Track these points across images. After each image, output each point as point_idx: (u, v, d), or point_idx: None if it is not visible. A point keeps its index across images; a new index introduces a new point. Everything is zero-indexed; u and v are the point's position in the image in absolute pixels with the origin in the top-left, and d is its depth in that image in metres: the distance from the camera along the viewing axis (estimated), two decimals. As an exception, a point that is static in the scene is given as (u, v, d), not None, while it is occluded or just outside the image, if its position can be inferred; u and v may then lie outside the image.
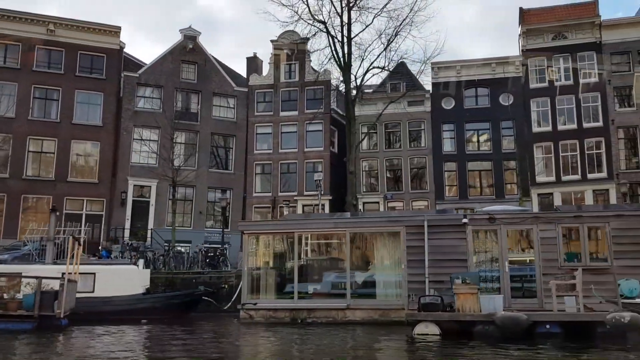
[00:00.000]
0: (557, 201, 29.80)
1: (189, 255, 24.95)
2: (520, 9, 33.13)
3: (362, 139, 26.96)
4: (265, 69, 35.84)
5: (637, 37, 30.35)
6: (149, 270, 19.37)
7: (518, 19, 32.60)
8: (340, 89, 30.01)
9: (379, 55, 26.00)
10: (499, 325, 10.97)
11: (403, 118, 32.88)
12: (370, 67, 26.52)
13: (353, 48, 25.70)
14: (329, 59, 26.59)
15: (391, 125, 33.27)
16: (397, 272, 14.70)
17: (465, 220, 14.27)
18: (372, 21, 25.95)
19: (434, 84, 32.97)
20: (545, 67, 31.44)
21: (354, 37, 25.84)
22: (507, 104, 31.87)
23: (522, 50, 31.88)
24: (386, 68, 26.22)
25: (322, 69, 31.20)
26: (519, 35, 31.97)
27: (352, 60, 26.05)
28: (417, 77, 26.66)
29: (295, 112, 33.57)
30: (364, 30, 26.19)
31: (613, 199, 29.27)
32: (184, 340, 12.54)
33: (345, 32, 25.39)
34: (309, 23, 25.35)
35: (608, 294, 13.23)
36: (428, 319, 11.52)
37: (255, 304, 15.09)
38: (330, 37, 25.66)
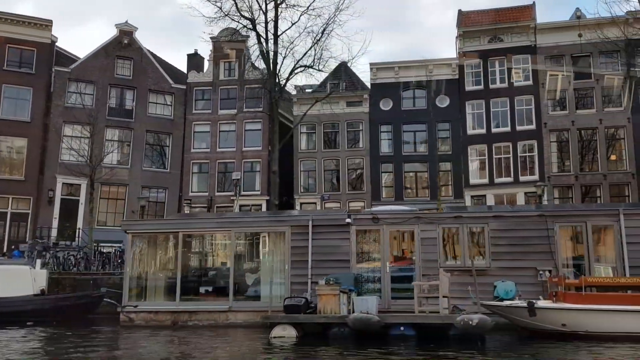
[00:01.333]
0: (490, 203, 29.96)
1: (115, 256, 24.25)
2: (459, 11, 33.31)
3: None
4: (207, 66, 35.27)
5: (571, 41, 30.68)
6: (45, 271, 18.66)
7: (456, 20, 32.74)
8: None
9: (305, 54, 25.67)
10: (351, 327, 10.72)
11: (341, 118, 32.72)
12: (297, 66, 26.17)
13: (282, 47, 25.30)
14: (258, 57, 26.22)
15: (330, 126, 33.03)
16: (282, 273, 14.38)
17: (348, 220, 14.03)
18: (299, 18, 25.49)
19: (372, 85, 32.89)
20: (481, 70, 31.63)
21: (281, 34, 25.55)
22: (443, 105, 31.95)
23: (459, 52, 32.01)
24: (314, 67, 25.93)
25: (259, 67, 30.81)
26: (456, 37, 32.08)
27: (282, 59, 25.69)
28: (336, 77, 26.28)
29: (234, 111, 33.05)
30: (290, 28, 25.54)
31: (545, 202, 29.55)
32: (40, 344, 11.98)
33: (271, 29, 25.02)
34: (234, 19, 24.90)
35: (487, 295, 13.13)
36: (284, 321, 11.21)
37: (136, 306, 14.60)
38: (257, 35, 25.28)
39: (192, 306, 14.36)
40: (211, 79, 33.79)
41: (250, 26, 25.20)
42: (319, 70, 26.22)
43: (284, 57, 25.05)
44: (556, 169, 30.35)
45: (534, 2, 32.69)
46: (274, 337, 11.18)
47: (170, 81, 33.71)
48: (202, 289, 14.79)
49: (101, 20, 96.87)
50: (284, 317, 11.28)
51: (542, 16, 73.06)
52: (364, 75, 34.67)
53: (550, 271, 13.12)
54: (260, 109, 32.56)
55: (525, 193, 30.15)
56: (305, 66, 25.72)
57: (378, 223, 14.03)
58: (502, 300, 12.76)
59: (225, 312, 14.25)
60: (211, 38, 33.99)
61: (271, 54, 24.90)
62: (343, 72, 35.35)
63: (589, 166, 30.07)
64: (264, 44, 25.23)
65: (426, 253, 13.75)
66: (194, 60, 36.50)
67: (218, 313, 14.26)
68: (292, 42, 24.76)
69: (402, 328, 10.97)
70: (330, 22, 25.01)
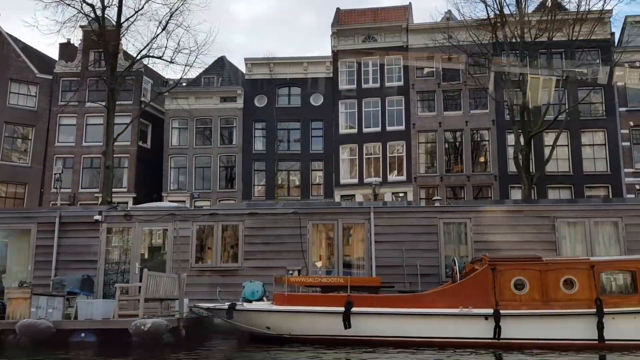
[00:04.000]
0: (358, 203, 29.83)
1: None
2: (337, 9, 33.10)
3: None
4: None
5: (440, 42, 30.87)
6: None
7: (333, 18, 32.48)
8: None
9: (148, 44, 24.58)
10: (21, 334, 9.87)
11: (215, 114, 31.84)
12: (139, 57, 25.09)
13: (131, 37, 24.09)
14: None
15: (203, 121, 32.07)
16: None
17: (97, 217, 13.17)
18: (143, 6, 24.39)
19: (247, 81, 32.20)
20: (355, 69, 31.50)
21: (125, 21, 24.36)
22: (317, 104, 31.63)
23: (333, 51, 31.75)
24: (163, 58, 24.89)
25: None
26: (331, 35, 31.80)
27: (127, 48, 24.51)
28: (184, 74, 25.41)
29: (103, 103, 31.51)
30: (134, 15, 24.31)
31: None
32: None
33: (105, 14, 23.72)
34: (74, 7, 23.45)
35: (237, 297, 12.58)
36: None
37: None
38: (99, 23, 23.97)
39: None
40: (80, 70, 32.14)
41: (93, 14, 23.88)
42: (172, 62, 25.16)
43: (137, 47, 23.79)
44: (423, 170, 30.56)
45: (410, 3, 32.96)
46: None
47: (35, 70, 31.86)
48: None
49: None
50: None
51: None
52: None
53: (299, 271, 12.72)
54: (131, 102, 31.32)
55: (393, 193, 30.24)
56: (149, 56, 24.68)
57: (131, 220, 13.24)
58: (249, 301, 12.22)
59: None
60: (81, 26, 32.37)
61: (109, 42, 23.70)
62: (227, 66, 34.59)
63: (454, 167, 30.46)
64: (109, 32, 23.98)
65: (179, 252, 13.08)
66: (67, 49, 34.68)
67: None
68: (139, 32, 23.43)
69: (83, 334, 10.19)
70: (176, 13, 24.03)
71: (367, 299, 10.16)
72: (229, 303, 10.62)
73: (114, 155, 31.76)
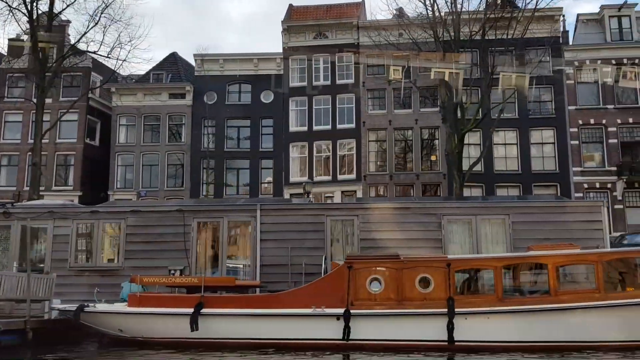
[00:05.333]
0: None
1: None
2: (290, 5, 32.70)
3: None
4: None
5: (391, 40, 30.54)
6: None
7: (285, 14, 32.07)
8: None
9: (80, 39, 24.10)
10: None
11: (163, 111, 31.35)
12: (70, 52, 24.57)
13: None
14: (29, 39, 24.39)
15: (151, 118, 31.56)
16: None
17: (-22, 215, 12.71)
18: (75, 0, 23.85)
19: (197, 77, 31.71)
20: (306, 66, 31.10)
21: (57, 15, 23.80)
22: (268, 101, 31.21)
23: (284, 47, 31.34)
24: (98, 53, 24.36)
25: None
26: (281, 32, 31.38)
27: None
28: (116, 69, 24.82)
29: (50, 100, 30.91)
30: (65, 9, 23.80)
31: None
32: None
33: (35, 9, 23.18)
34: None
35: (117, 297, 12.15)
36: None
37: None
38: (30, 16, 23.41)
39: None
40: (26, 65, 31.49)
41: (23, 7, 23.33)
42: (108, 57, 24.64)
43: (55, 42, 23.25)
44: (373, 168, 30.23)
45: (363, 0, 32.60)
46: None
47: (-22, 66, 31.26)
48: None
49: None
50: None
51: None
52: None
53: (181, 270, 12.32)
54: (77, 98, 30.73)
55: (343, 192, 29.90)
56: (84, 51, 24.16)
57: (9, 218, 12.78)
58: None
59: None
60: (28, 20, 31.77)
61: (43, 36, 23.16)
62: (179, 62, 34.09)
63: (404, 166, 30.15)
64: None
65: (58, 251, 12.64)
66: (17, 44, 33.99)
67: None
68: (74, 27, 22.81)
69: None
70: (109, 6, 23.51)
71: (219, 299, 9.76)
72: (79, 304, 10.18)
73: (60, 153, 31.63)
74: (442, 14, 23.62)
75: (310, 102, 30.85)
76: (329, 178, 30.21)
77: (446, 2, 23.09)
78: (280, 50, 31.45)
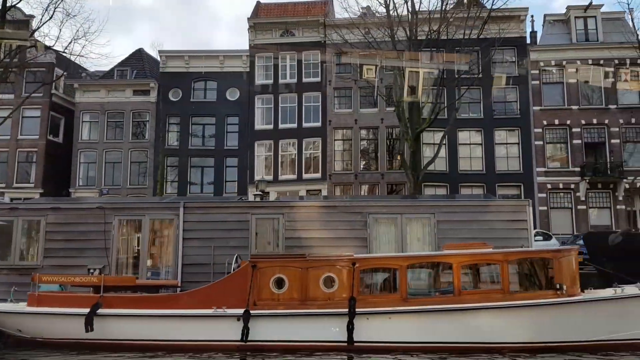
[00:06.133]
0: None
1: None
2: (258, 2, 32.41)
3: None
4: None
5: (357, 39, 30.31)
6: None
7: (252, 12, 31.77)
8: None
9: (32, 33, 23.63)
10: None
11: (127, 108, 30.91)
12: (20, 48, 24.12)
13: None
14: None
15: (115, 115, 31.10)
16: None
17: None
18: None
19: (162, 74, 31.28)
20: (272, 64, 30.82)
21: (10, 7, 23.35)
22: (233, 99, 30.89)
23: (250, 45, 31.02)
24: (54, 48, 23.91)
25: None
26: (248, 29, 31.07)
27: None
28: (74, 59, 24.45)
29: (12, 96, 30.44)
30: (18, 2, 23.35)
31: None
32: None
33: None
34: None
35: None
36: None
37: None
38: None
39: None
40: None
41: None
42: (64, 52, 24.22)
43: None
44: (339, 167, 30.00)
45: (331, -2, 32.40)
46: None
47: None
48: None
49: None
50: None
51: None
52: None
53: (101, 270, 11.99)
54: (41, 95, 30.28)
55: (308, 191, 29.64)
56: (32, 46, 23.70)
57: None
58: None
59: None
60: None
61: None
62: (145, 59, 33.67)
63: (369, 165, 29.97)
64: None
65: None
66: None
67: None
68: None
69: None
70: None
71: (119, 299, 9.46)
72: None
73: (22, 149, 31.09)
74: (399, 13, 23.37)
75: (276, 100, 30.57)
76: (294, 177, 29.96)
77: (405, 2, 22.79)
78: (247, 48, 31.19)
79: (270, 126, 30.43)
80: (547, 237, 21.44)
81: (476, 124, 28.91)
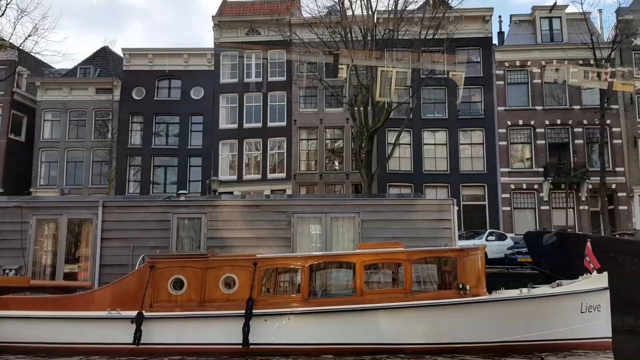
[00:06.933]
0: (234, 200, 28.81)
1: None
2: (223, 0, 32.07)
3: None
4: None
5: (321, 38, 30.04)
6: None
7: (217, 9, 31.43)
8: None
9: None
10: None
11: (89, 106, 30.44)
12: None
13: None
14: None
15: (78, 114, 30.61)
16: None
17: None
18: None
19: (125, 72, 30.84)
20: (237, 63, 30.50)
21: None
22: (198, 98, 30.51)
23: (215, 43, 30.68)
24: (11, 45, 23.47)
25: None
26: (212, 27, 30.72)
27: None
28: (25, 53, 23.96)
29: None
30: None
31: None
32: None
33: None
34: None
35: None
36: None
37: None
38: None
39: None
40: (-53, 58, 30.37)
41: None
42: (20, 49, 23.73)
43: None
44: (304, 167, 29.74)
45: (298, -3, 32.09)
46: None
47: None
48: None
49: None
50: None
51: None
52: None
53: (17, 270, 11.63)
54: (2, 93, 29.78)
55: (272, 191, 29.34)
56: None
57: None
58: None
59: None
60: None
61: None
62: (109, 57, 33.20)
63: (334, 165, 29.74)
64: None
65: None
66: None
67: None
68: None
69: None
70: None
71: (14, 301, 9.10)
72: None
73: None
74: (354, 12, 23.18)
75: (241, 99, 30.24)
76: (258, 177, 29.65)
77: (361, 2, 22.60)
78: (212, 46, 30.85)
79: (235, 125, 30.10)
80: (501, 237, 21.30)
81: (441, 124, 28.80)
